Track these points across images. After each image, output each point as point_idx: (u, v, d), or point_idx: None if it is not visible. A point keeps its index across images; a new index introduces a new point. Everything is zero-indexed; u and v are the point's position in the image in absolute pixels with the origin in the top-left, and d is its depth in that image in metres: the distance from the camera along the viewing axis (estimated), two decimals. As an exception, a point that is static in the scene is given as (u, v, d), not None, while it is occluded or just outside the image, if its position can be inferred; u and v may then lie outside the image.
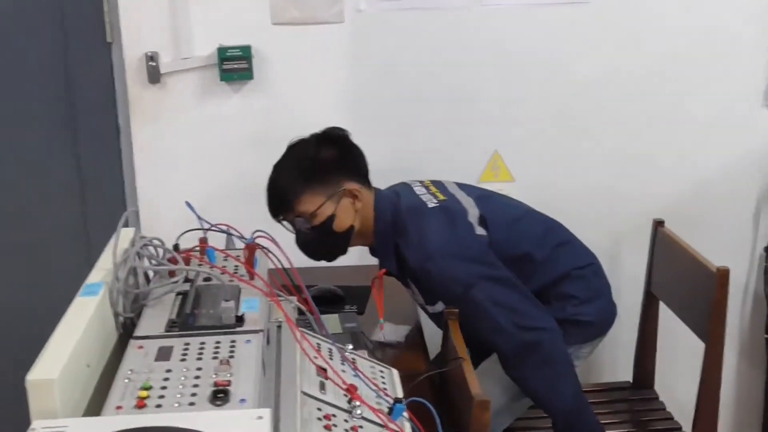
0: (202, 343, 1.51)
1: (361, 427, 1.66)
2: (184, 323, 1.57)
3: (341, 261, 2.80)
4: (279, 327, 1.80)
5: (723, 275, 2.31)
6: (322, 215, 2.25)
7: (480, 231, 2.28)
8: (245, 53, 2.74)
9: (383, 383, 1.90)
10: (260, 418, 1.24)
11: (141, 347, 1.50)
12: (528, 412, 2.45)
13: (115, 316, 1.63)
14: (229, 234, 1.80)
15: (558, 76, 2.84)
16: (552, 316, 2.26)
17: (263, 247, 1.80)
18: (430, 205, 2.32)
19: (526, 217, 2.44)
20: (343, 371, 1.82)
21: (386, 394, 1.83)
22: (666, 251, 2.65)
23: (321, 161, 2.26)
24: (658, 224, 2.69)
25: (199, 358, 1.46)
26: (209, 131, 2.84)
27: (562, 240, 2.45)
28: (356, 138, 2.84)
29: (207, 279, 1.76)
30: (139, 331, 1.56)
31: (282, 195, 2.26)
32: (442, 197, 2.36)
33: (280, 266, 1.83)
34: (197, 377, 1.40)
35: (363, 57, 2.83)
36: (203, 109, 2.82)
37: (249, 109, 2.82)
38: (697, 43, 2.87)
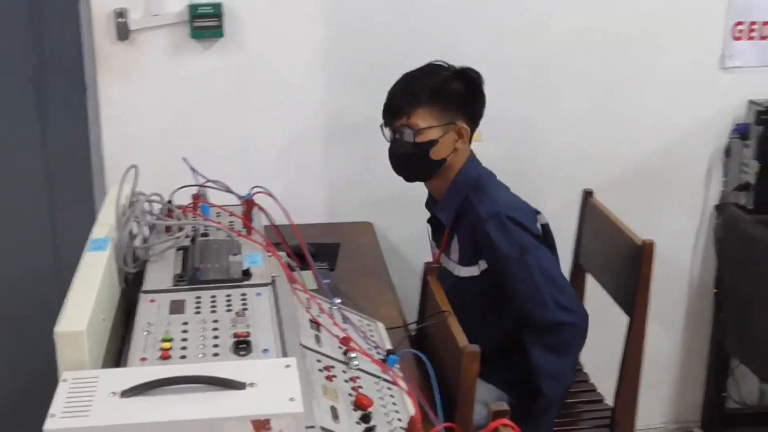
0: (213, 296, 1.55)
1: (358, 377, 1.72)
2: (192, 277, 1.60)
3: (311, 218, 2.85)
4: (273, 282, 1.84)
5: (648, 249, 2.35)
6: (427, 136, 2.29)
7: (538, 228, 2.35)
8: (216, 10, 2.73)
9: (371, 336, 1.96)
10: (288, 366, 1.29)
11: (153, 301, 1.53)
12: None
13: (119, 271, 1.65)
14: (228, 191, 1.83)
15: (532, 35, 2.89)
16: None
17: (259, 206, 1.83)
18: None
19: None
20: (334, 325, 1.87)
21: (377, 345, 1.89)
22: (594, 222, 2.70)
23: (448, 90, 2.32)
24: (588, 194, 2.74)
25: (213, 311, 1.50)
26: (179, 89, 2.82)
27: None
28: (330, 95, 2.90)
29: (204, 234, 1.79)
30: (147, 286, 1.59)
31: (405, 101, 2.31)
32: None
33: (272, 223, 1.87)
34: (215, 329, 1.44)
35: (336, 11, 2.83)
36: (173, 67, 2.80)
37: (220, 66, 2.81)
38: (665, 6, 2.94)
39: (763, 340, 2.85)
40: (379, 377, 1.77)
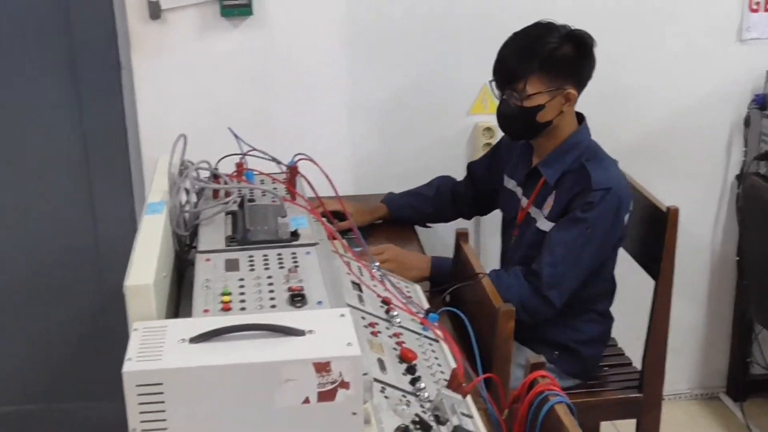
0: (265, 255, 1.63)
1: (401, 333, 1.80)
2: (243, 238, 1.68)
3: (348, 190, 2.92)
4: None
5: (673, 214, 2.42)
6: (534, 101, 2.34)
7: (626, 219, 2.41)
8: (245, -11, 2.80)
9: (410, 296, 2.03)
10: (342, 315, 1.36)
11: (208, 260, 1.61)
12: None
13: (172, 234, 1.73)
14: (273, 159, 1.90)
15: (543, 4, 2.92)
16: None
17: (302, 174, 1.91)
18: None
19: None
20: (375, 286, 1.95)
21: (416, 306, 1.97)
22: None
23: (559, 56, 2.35)
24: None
25: (267, 268, 1.58)
26: (210, 67, 2.90)
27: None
28: (354, 71, 2.96)
29: (251, 200, 1.87)
30: (202, 246, 1.67)
31: (516, 67, 2.35)
32: None
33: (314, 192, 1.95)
34: (270, 284, 1.52)
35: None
36: (204, 45, 2.87)
37: (249, 45, 2.88)
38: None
39: (785, 305, 2.93)
40: (420, 334, 1.85)
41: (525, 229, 2.49)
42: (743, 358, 3.33)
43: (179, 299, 1.66)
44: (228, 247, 1.66)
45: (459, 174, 2.83)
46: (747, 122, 3.14)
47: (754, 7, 3.07)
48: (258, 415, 1.25)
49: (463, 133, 3.06)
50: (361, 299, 1.86)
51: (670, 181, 3.09)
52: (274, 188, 1.91)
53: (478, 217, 2.94)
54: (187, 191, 1.76)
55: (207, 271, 1.57)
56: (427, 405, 1.55)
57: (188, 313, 1.46)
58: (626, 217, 2.40)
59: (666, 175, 3.11)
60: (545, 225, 2.40)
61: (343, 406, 1.27)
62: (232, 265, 1.58)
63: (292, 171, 1.87)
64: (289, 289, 1.48)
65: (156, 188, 1.77)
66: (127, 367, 1.23)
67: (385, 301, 1.88)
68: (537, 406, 1.63)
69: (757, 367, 3.35)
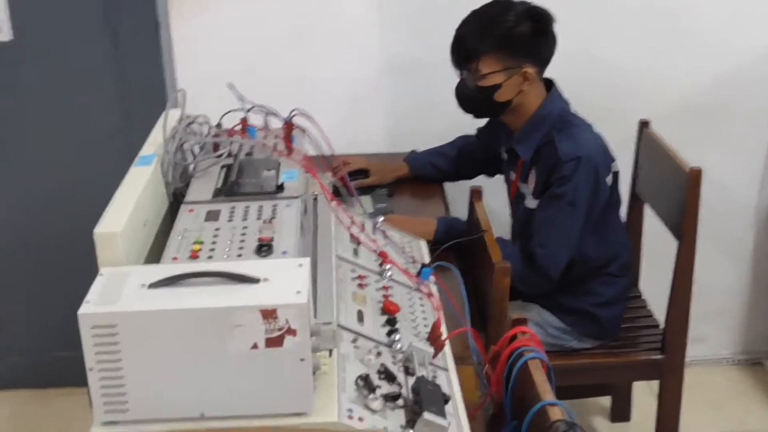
0: (247, 206, 1.67)
1: (390, 287, 1.82)
2: (228, 189, 1.73)
3: (373, 148, 2.96)
4: (315, 199, 1.95)
5: (695, 175, 2.36)
6: (490, 81, 2.33)
7: (609, 181, 2.38)
8: (285, -56, 2.83)
9: (410, 252, 2.05)
10: (300, 265, 1.39)
11: (192, 210, 1.66)
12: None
13: (166, 185, 1.78)
14: (269, 113, 1.93)
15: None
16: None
17: (300, 127, 1.94)
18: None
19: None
20: (374, 240, 1.98)
21: (414, 260, 1.98)
22: (650, 152, 2.70)
23: (516, 35, 2.31)
24: (644, 125, 2.74)
25: (245, 219, 1.62)
26: (248, 24, 2.94)
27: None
28: (386, 33, 2.97)
29: (248, 154, 1.91)
30: (189, 198, 1.72)
31: (471, 46, 2.34)
32: None
33: (315, 147, 1.97)
34: (243, 234, 1.56)
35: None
36: (241, 4, 2.92)
37: (284, 4, 2.91)
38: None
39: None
40: (411, 288, 1.87)
41: (518, 204, 2.48)
42: (789, 323, 3.25)
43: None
44: (214, 199, 1.71)
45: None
46: (797, 79, 3.04)
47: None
48: (209, 359, 1.30)
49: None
50: (356, 253, 1.89)
51: (712, 141, 3.03)
52: (275, 144, 1.94)
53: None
54: (182, 146, 1.81)
55: (188, 221, 1.62)
56: (399, 356, 1.58)
57: (166, 262, 1.51)
58: (609, 178, 2.35)
59: (707, 136, 3.04)
60: (532, 203, 2.39)
61: (290, 352, 1.30)
62: (212, 216, 1.63)
63: (288, 126, 1.90)
64: (259, 240, 1.52)
65: (151, 141, 1.82)
66: (84, 309, 1.29)
67: (381, 256, 1.91)
68: (513, 360, 1.65)
69: (803, 332, 3.27)
